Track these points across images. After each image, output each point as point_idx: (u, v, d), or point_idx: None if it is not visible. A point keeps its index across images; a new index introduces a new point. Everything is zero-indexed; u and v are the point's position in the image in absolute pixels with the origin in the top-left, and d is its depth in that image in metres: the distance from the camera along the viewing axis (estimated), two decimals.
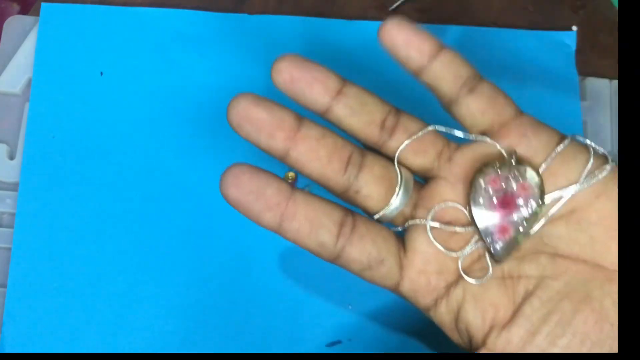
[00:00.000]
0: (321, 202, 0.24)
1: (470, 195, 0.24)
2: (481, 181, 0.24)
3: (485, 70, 0.37)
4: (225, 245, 0.33)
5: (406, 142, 0.25)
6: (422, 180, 0.26)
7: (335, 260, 0.24)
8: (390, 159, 0.25)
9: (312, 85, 0.24)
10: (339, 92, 0.24)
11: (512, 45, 0.36)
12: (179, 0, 0.37)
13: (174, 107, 0.34)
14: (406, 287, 0.25)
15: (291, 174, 0.32)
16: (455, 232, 0.25)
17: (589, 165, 0.24)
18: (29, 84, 0.35)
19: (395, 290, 0.25)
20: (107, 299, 0.31)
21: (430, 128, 0.25)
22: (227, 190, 0.23)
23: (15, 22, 0.36)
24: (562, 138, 0.24)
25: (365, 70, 0.35)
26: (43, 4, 0.35)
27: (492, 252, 0.24)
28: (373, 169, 0.25)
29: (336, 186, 0.25)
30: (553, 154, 0.24)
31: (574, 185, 0.24)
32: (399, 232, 0.26)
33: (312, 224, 0.24)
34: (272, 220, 0.23)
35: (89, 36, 0.35)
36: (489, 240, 0.24)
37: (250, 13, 0.36)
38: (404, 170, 0.25)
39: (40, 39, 0.35)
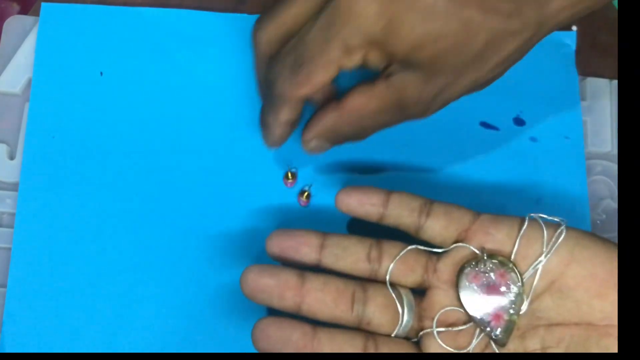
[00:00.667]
0: (343, 333, 0.27)
1: (459, 295, 0.27)
2: (465, 281, 0.27)
3: None
4: (226, 245, 0.33)
5: (391, 265, 0.28)
6: (420, 291, 0.29)
7: None
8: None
9: (298, 250, 0.28)
10: (321, 246, 0.28)
11: None
12: (179, 0, 0.36)
13: (174, 107, 0.34)
14: None
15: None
16: (461, 331, 0.27)
17: (545, 237, 0.27)
18: (29, 84, 0.35)
19: None
20: (107, 299, 0.31)
21: (410, 248, 0.28)
22: (259, 344, 0.27)
23: (15, 22, 0.36)
24: (522, 221, 0.27)
25: (364, 70, 0.35)
26: (43, 4, 0.35)
27: (494, 338, 0.27)
28: (376, 300, 0.28)
29: (348, 323, 0.28)
30: (517, 242, 0.27)
31: (541, 257, 0.26)
32: (416, 342, 0.28)
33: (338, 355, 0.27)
34: None
35: (89, 36, 0.35)
36: (488, 329, 0.27)
37: (250, 13, 0.36)
38: (402, 290, 0.28)
39: (40, 39, 0.35)
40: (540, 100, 0.36)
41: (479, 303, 0.27)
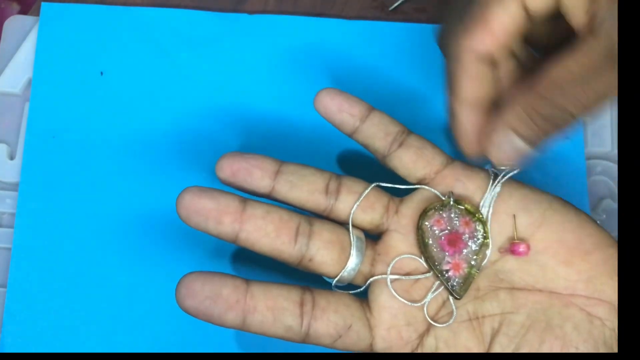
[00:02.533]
0: (278, 287, 0.25)
1: (418, 240, 0.25)
2: (427, 224, 0.26)
3: None
4: (226, 245, 0.33)
5: (357, 202, 0.26)
6: (374, 236, 0.27)
7: (304, 340, 0.25)
8: (339, 222, 0.26)
9: (251, 172, 0.26)
10: (277, 172, 0.26)
11: None
12: (179, 0, 0.37)
13: (174, 107, 0.34)
14: (379, 345, 0.25)
15: None
16: (416, 282, 0.26)
17: (490, 181, 0.25)
18: (29, 84, 0.35)
19: (371, 351, 0.26)
20: (107, 299, 0.31)
21: (374, 185, 0.26)
22: (184, 303, 0.24)
23: (15, 22, 0.36)
24: (495, 177, 0.26)
25: (364, 70, 0.35)
26: (43, 4, 0.35)
27: (451, 289, 0.25)
28: (322, 234, 0.26)
29: (290, 258, 0.25)
30: (491, 194, 0.25)
31: (484, 197, 0.25)
32: (363, 293, 0.26)
33: (274, 312, 0.24)
34: (236, 319, 0.24)
35: (89, 36, 0.35)
36: (445, 279, 0.25)
37: (250, 13, 0.36)
38: (354, 230, 0.26)
39: (40, 38, 0.35)
40: None
41: (438, 249, 0.25)
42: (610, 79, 0.22)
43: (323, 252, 0.25)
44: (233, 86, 0.35)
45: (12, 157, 0.34)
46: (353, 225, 0.26)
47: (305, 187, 0.26)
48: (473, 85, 0.24)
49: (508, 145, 0.24)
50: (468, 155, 0.26)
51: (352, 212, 0.26)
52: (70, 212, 0.33)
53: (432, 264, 0.25)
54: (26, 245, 0.32)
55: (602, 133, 0.36)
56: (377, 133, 0.27)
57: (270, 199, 0.26)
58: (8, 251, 0.32)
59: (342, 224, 0.26)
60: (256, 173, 0.26)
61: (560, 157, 0.35)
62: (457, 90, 0.25)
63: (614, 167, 0.35)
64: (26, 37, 0.35)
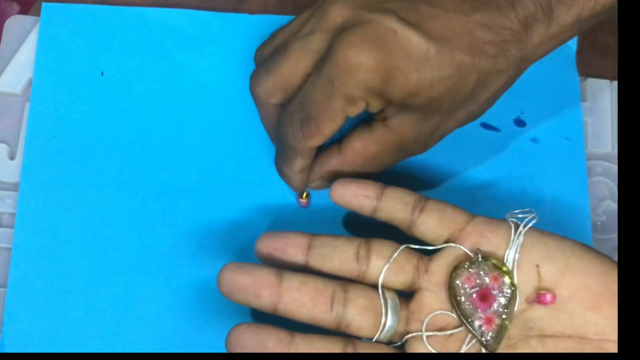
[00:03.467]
0: (320, 339, 0.26)
1: (451, 298, 0.27)
2: (458, 282, 0.27)
3: None
4: (226, 245, 0.33)
5: (385, 267, 0.27)
6: (407, 294, 0.28)
7: None
8: (373, 286, 0.28)
9: (285, 251, 0.28)
10: (309, 247, 0.28)
11: None
12: (179, 0, 0.36)
13: (174, 107, 0.34)
14: None
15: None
16: (451, 336, 0.27)
17: (512, 232, 0.27)
18: (29, 84, 0.35)
19: None
20: (107, 299, 0.31)
21: (403, 247, 0.28)
22: (233, 350, 0.26)
23: (16, 22, 0.36)
24: (516, 227, 0.27)
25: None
26: (44, 4, 0.35)
27: (485, 343, 0.26)
28: (357, 301, 0.27)
29: (328, 325, 0.27)
30: (515, 245, 0.27)
31: (509, 250, 0.27)
32: (400, 348, 0.27)
33: None
34: None
35: (89, 36, 0.35)
36: (479, 334, 0.26)
37: (250, 13, 0.36)
38: (387, 293, 0.27)
39: (40, 39, 0.35)
40: (541, 101, 0.36)
41: (470, 306, 0.26)
42: (392, 158, 0.30)
43: (359, 318, 0.27)
44: (233, 86, 0.35)
45: (12, 157, 0.34)
46: (387, 287, 0.27)
47: (336, 257, 0.28)
48: (304, 162, 0.29)
49: (316, 185, 0.31)
50: (294, 191, 0.32)
51: (381, 275, 0.27)
52: (70, 212, 0.33)
53: (466, 320, 0.26)
54: (26, 245, 0.32)
55: (603, 134, 0.36)
56: (396, 206, 0.28)
57: (308, 271, 0.28)
58: (8, 251, 0.32)
59: (376, 286, 0.28)
60: (290, 250, 0.28)
61: (561, 158, 0.35)
62: (293, 166, 0.29)
63: (614, 168, 0.35)
64: (26, 37, 0.35)
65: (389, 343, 0.27)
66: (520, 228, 0.27)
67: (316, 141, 0.28)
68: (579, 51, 0.36)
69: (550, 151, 0.35)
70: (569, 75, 0.36)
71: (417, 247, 0.28)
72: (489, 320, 0.26)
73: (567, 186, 0.34)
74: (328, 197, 0.29)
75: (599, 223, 0.34)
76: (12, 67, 0.35)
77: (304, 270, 0.28)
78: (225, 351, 0.26)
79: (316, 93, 0.27)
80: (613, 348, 0.25)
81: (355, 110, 0.27)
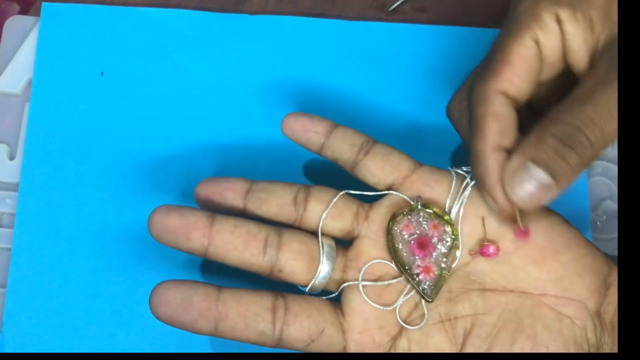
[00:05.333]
0: (250, 293, 0.25)
1: (389, 245, 0.26)
2: (396, 229, 0.26)
3: None
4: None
5: (326, 211, 0.26)
6: (346, 243, 0.27)
7: (278, 345, 0.25)
8: (310, 232, 0.27)
9: (223, 195, 0.27)
10: (247, 191, 0.27)
11: None
12: (179, 0, 0.36)
13: (174, 107, 0.34)
14: (353, 348, 0.26)
15: None
16: (388, 286, 0.26)
17: (454, 183, 0.26)
18: (29, 84, 0.35)
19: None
20: (107, 299, 0.31)
21: (343, 193, 0.27)
22: (157, 311, 0.25)
23: (16, 22, 0.36)
24: (460, 178, 0.27)
25: (364, 70, 0.35)
26: (44, 4, 0.35)
27: (422, 292, 0.25)
28: (291, 245, 0.26)
29: (260, 269, 0.26)
30: (461, 197, 0.26)
31: (449, 199, 0.26)
32: (336, 298, 0.27)
33: (246, 318, 0.25)
34: (208, 326, 0.25)
35: (89, 36, 0.35)
36: (416, 283, 0.25)
37: (250, 13, 0.36)
38: (324, 239, 0.27)
39: (40, 38, 0.35)
40: None
41: (408, 253, 0.26)
42: (615, 96, 0.22)
43: (292, 262, 0.26)
44: (233, 86, 0.35)
45: (12, 157, 0.34)
46: (324, 234, 0.27)
47: (274, 201, 0.27)
48: (500, 125, 0.24)
49: (529, 181, 0.23)
50: (500, 209, 0.24)
51: (321, 220, 0.26)
52: (70, 212, 0.33)
53: (403, 268, 0.26)
54: (26, 245, 0.32)
55: None
56: (342, 146, 0.28)
57: (245, 216, 0.27)
58: (8, 251, 0.32)
59: (314, 233, 0.27)
60: (228, 194, 0.27)
61: None
62: (484, 133, 0.24)
63: (614, 168, 0.35)
64: (26, 37, 0.35)
65: (324, 293, 0.27)
66: (467, 180, 0.26)
67: (506, 77, 0.24)
68: None
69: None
70: None
71: (356, 192, 0.27)
72: (427, 269, 0.25)
73: None
74: None
75: (598, 223, 0.34)
76: (12, 67, 0.35)
77: (242, 216, 0.27)
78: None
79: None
80: (553, 303, 0.25)
81: (545, 32, 0.24)
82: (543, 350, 0.24)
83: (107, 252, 0.32)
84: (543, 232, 0.25)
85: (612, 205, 0.35)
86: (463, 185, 0.26)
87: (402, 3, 0.37)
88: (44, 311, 0.31)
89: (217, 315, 0.25)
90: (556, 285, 0.25)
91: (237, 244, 0.26)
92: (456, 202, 0.26)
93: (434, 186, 0.27)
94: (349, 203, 0.27)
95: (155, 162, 0.34)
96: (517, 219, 0.25)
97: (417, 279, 0.25)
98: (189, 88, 0.35)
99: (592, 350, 0.25)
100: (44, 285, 0.31)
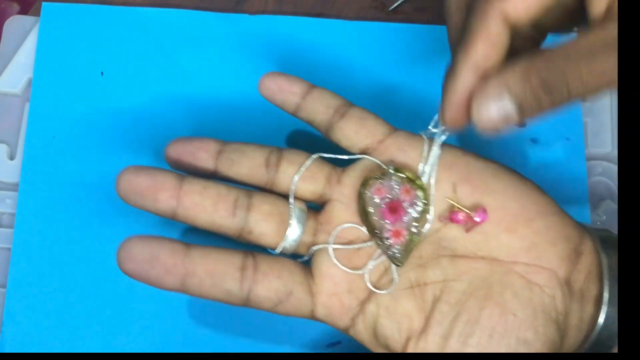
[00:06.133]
0: (218, 251, 0.25)
1: (360, 209, 0.26)
2: (367, 193, 0.26)
3: None
4: (226, 244, 0.33)
5: (297, 174, 0.26)
6: (318, 207, 0.27)
7: (245, 304, 0.25)
8: (281, 195, 0.27)
9: (195, 155, 0.26)
10: (219, 152, 0.27)
11: None
12: (179, 0, 0.37)
13: (174, 107, 0.34)
14: (321, 312, 0.26)
15: None
16: (359, 250, 0.26)
17: (425, 147, 0.26)
18: (29, 84, 0.35)
19: (312, 317, 0.26)
20: (107, 299, 0.31)
21: (315, 156, 0.27)
22: (124, 266, 0.24)
23: (16, 22, 0.36)
24: (432, 142, 0.26)
25: (364, 70, 0.35)
26: (44, 4, 0.35)
27: (392, 257, 0.25)
28: (261, 207, 0.26)
29: (229, 231, 0.26)
30: (431, 160, 0.26)
31: (422, 164, 0.26)
32: (307, 262, 0.26)
33: (213, 276, 0.25)
34: (174, 282, 0.25)
35: (89, 36, 0.35)
36: (386, 247, 0.25)
37: (250, 13, 0.36)
38: (296, 202, 0.26)
39: (40, 38, 0.35)
40: None
41: (379, 217, 0.25)
42: (614, 64, 0.21)
43: (262, 224, 0.26)
44: (233, 86, 0.35)
45: (12, 157, 0.34)
46: (295, 197, 0.26)
47: (245, 162, 0.26)
48: (488, 48, 0.23)
49: (496, 107, 0.22)
50: (447, 122, 0.24)
51: (293, 182, 0.26)
52: (70, 212, 0.33)
53: (373, 232, 0.25)
54: (26, 245, 0.32)
55: (603, 134, 0.36)
56: (318, 107, 0.27)
57: (216, 178, 0.27)
58: (8, 251, 0.32)
59: (285, 196, 0.27)
60: (200, 155, 0.26)
61: (561, 158, 0.35)
62: (469, 50, 0.23)
63: (614, 168, 0.35)
64: (26, 37, 0.35)
65: (295, 256, 0.26)
66: (436, 138, 0.26)
67: (514, 2, 0.22)
68: None
69: (550, 151, 0.35)
70: None
71: (329, 155, 0.27)
72: (397, 234, 0.25)
73: (567, 186, 0.34)
74: None
75: (598, 223, 0.34)
76: (12, 67, 0.35)
77: (214, 177, 0.26)
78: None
79: None
80: (523, 270, 0.25)
81: None
82: (510, 317, 0.24)
83: (106, 252, 0.32)
84: (517, 199, 0.25)
85: (612, 205, 0.35)
86: (433, 145, 0.26)
87: (402, 3, 0.37)
88: (44, 311, 0.31)
89: (183, 271, 0.24)
90: (527, 253, 0.25)
91: (206, 206, 0.25)
92: (427, 164, 0.26)
93: (408, 150, 0.26)
94: (321, 166, 0.27)
95: (156, 162, 0.34)
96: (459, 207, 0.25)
97: (387, 243, 0.25)
98: (188, 88, 0.35)
99: (560, 318, 0.25)
100: (44, 285, 0.32)
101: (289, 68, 0.35)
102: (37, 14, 0.36)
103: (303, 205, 0.27)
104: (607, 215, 0.34)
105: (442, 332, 0.24)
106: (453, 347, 0.24)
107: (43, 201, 0.33)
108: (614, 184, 0.35)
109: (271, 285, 0.25)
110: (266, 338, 0.32)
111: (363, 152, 0.27)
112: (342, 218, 0.26)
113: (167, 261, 0.24)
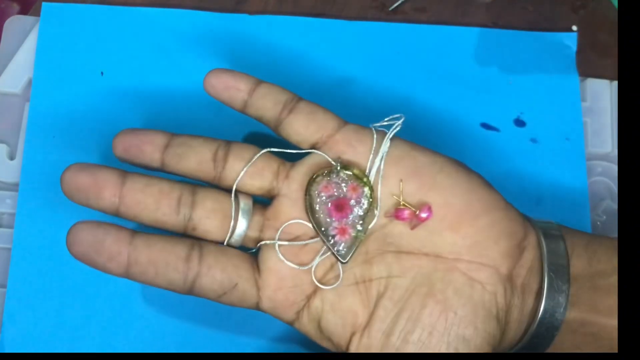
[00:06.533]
0: (164, 240, 0.25)
1: (306, 206, 0.26)
2: (314, 190, 0.26)
3: (485, 71, 0.37)
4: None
5: (243, 169, 0.26)
6: (267, 201, 0.27)
7: (189, 293, 0.26)
8: (228, 190, 0.27)
9: (141, 148, 0.26)
10: (166, 146, 0.26)
11: (512, 46, 0.36)
12: (179, 0, 0.36)
13: (174, 107, 0.34)
14: (266, 305, 0.26)
15: None
16: (306, 245, 0.26)
17: (374, 143, 0.26)
18: (29, 84, 0.35)
19: (257, 309, 0.26)
20: (107, 299, 0.31)
21: (264, 151, 0.27)
22: (72, 249, 0.25)
23: (16, 22, 0.36)
24: (381, 135, 0.26)
25: (365, 70, 0.35)
26: (44, 4, 0.35)
27: (337, 254, 0.25)
28: (205, 203, 0.26)
29: (174, 228, 0.26)
30: (380, 155, 0.26)
31: (372, 159, 0.26)
32: (254, 253, 0.27)
33: (156, 266, 0.25)
34: (118, 269, 0.25)
35: (89, 36, 0.35)
36: (332, 243, 0.25)
37: (250, 13, 0.36)
38: (241, 197, 0.26)
39: (40, 38, 0.35)
40: (541, 102, 0.36)
41: (325, 214, 0.25)
42: None
43: (206, 221, 0.26)
44: None
45: (12, 157, 0.34)
46: (243, 192, 0.26)
47: (192, 157, 0.26)
48: None
49: None
50: None
51: (237, 179, 0.26)
52: (70, 212, 0.33)
53: (320, 230, 0.25)
54: (26, 245, 0.32)
55: (603, 134, 0.36)
56: (266, 104, 0.27)
57: (163, 173, 0.27)
58: (8, 251, 0.32)
59: (231, 191, 0.27)
60: (147, 148, 0.26)
61: (561, 158, 0.35)
62: None
63: (614, 168, 0.35)
64: (26, 37, 0.35)
65: (242, 248, 0.26)
66: (388, 134, 0.26)
67: None
68: (579, 51, 0.36)
69: (550, 151, 0.35)
70: (569, 75, 0.36)
71: (278, 150, 0.27)
72: (342, 231, 0.25)
73: (567, 186, 0.34)
74: None
75: (598, 223, 0.34)
76: (12, 67, 0.35)
77: (161, 172, 0.27)
78: None
79: None
80: (465, 268, 0.25)
81: None
82: (451, 315, 0.24)
83: None
84: (462, 196, 0.25)
85: (612, 205, 0.35)
86: (382, 143, 0.26)
87: (402, 3, 0.37)
88: (44, 311, 0.31)
89: (126, 260, 0.25)
90: (470, 250, 0.25)
91: (148, 203, 0.25)
92: (375, 160, 0.26)
93: (357, 146, 0.26)
94: (269, 161, 0.27)
95: None
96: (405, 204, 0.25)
97: (332, 241, 0.25)
98: (188, 88, 0.35)
99: (501, 314, 0.25)
100: (44, 285, 0.31)
101: (289, 68, 0.35)
102: (37, 14, 0.36)
103: (249, 200, 0.27)
104: (607, 215, 0.34)
105: (384, 329, 0.25)
106: (395, 344, 0.24)
107: (43, 201, 0.33)
108: (614, 184, 0.35)
109: (215, 278, 0.25)
110: (266, 337, 0.32)
111: (312, 147, 0.27)
112: (289, 214, 0.26)
113: (111, 248, 0.25)
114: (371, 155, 0.26)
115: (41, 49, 0.35)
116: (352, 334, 0.25)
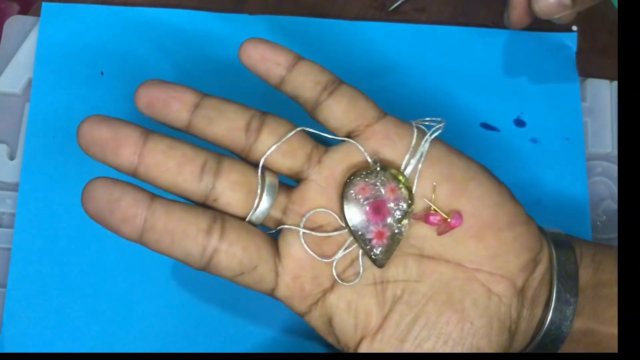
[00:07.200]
0: (185, 209, 0.24)
1: (343, 205, 0.24)
2: (352, 192, 0.24)
3: (485, 71, 0.37)
4: None
5: (274, 145, 0.24)
6: (293, 182, 0.26)
7: (204, 268, 0.24)
8: (255, 164, 0.25)
9: (168, 104, 0.24)
10: (196, 106, 0.24)
11: (512, 46, 0.36)
12: (179, 0, 0.37)
13: None
14: (282, 292, 0.25)
15: None
16: (328, 237, 0.25)
17: (414, 140, 0.25)
18: (29, 84, 0.35)
19: (272, 295, 0.25)
20: (107, 299, 0.31)
21: (299, 129, 0.25)
22: (85, 206, 0.23)
23: (16, 22, 0.36)
24: (421, 134, 0.25)
25: (365, 70, 0.35)
26: (44, 4, 0.35)
27: (373, 257, 0.24)
28: (230, 175, 0.24)
29: (194, 196, 0.24)
30: (418, 156, 0.25)
31: (409, 158, 0.25)
32: (273, 234, 0.25)
33: (173, 235, 0.23)
34: (132, 233, 0.23)
35: (89, 36, 0.35)
36: (368, 247, 0.24)
37: (250, 13, 0.36)
38: (267, 175, 0.25)
39: (40, 38, 0.35)
40: (541, 102, 0.36)
41: (362, 216, 0.24)
42: None
43: (229, 193, 0.24)
44: (233, 86, 0.35)
45: (12, 157, 0.34)
46: (270, 169, 0.25)
47: (224, 123, 0.24)
48: None
49: None
50: (513, 21, 0.32)
51: (267, 153, 0.24)
52: (70, 212, 0.33)
53: (356, 233, 0.24)
54: (26, 245, 0.32)
55: (603, 134, 0.36)
56: (305, 82, 0.25)
57: (188, 134, 0.25)
58: (8, 251, 0.32)
59: (258, 165, 0.25)
60: (174, 105, 0.24)
61: (561, 158, 0.35)
62: None
63: (614, 168, 0.35)
64: (26, 37, 0.35)
65: (261, 228, 0.25)
66: (427, 136, 0.25)
67: None
68: (579, 51, 0.36)
69: (550, 151, 0.35)
70: (569, 75, 0.36)
71: (314, 131, 0.25)
72: (380, 235, 0.24)
73: (567, 186, 0.34)
74: None
75: (598, 223, 0.34)
76: (12, 67, 0.35)
77: (186, 133, 0.25)
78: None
79: None
80: (485, 279, 0.25)
81: None
82: (467, 326, 0.24)
83: (106, 252, 0.32)
84: (492, 207, 0.25)
85: (612, 205, 0.35)
86: (422, 143, 0.25)
87: (402, 3, 0.37)
88: (44, 311, 0.31)
89: (142, 224, 0.23)
90: (491, 262, 0.25)
91: (169, 166, 0.23)
92: (413, 160, 0.25)
93: (396, 140, 0.25)
94: (304, 142, 0.25)
95: None
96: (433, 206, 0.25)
97: (369, 245, 0.24)
98: None
99: (513, 326, 0.25)
100: (44, 285, 0.31)
101: None
102: (37, 14, 0.36)
103: (275, 179, 0.25)
104: (607, 215, 0.34)
105: (398, 334, 0.24)
106: (408, 351, 0.24)
107: (43, 201, 0.33)
108: (614, 184, 0.35)
109: (235, 256, 0.24)
110: (266, 337, 0.32)
111: (349, 135, 0.25)
112: (316, 200, 0.25)
113: (127, 210, 0.23)
114: (408, 154, 0.25)
115: (41, 49, 0.35)
116: (363, 337, 0.24)
